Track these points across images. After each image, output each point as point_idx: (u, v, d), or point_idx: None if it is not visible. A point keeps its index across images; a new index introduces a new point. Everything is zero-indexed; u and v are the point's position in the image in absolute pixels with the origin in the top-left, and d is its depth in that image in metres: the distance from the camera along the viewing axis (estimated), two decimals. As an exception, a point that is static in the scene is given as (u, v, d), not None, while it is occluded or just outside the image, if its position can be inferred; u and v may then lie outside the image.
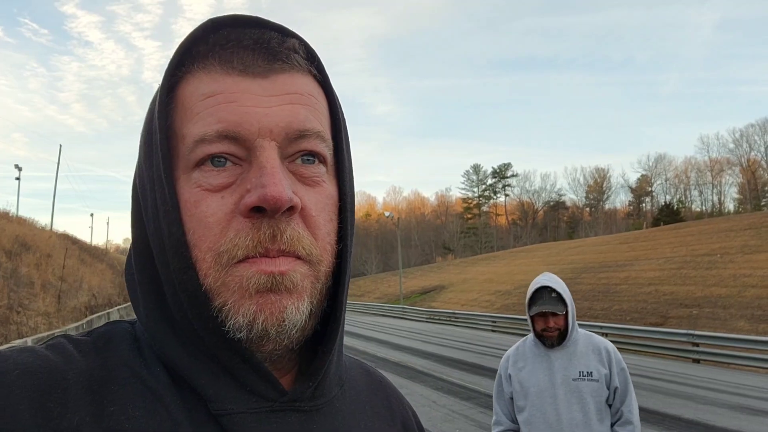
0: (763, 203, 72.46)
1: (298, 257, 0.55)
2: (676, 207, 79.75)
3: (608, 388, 2.65)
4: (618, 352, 2.76)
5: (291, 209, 0.54)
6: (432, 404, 8.91)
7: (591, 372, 2.63)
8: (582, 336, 2.75)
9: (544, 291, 2.70)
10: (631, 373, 10.35)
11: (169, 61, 0.57)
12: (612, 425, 2.65)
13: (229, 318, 0.53)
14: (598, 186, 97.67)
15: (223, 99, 0.55)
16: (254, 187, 0.53)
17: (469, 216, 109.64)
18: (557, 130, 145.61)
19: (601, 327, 20.83)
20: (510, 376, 2.75)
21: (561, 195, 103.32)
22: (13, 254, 18.08)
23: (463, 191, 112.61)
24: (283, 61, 0.57)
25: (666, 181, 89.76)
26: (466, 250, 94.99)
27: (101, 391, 0.52)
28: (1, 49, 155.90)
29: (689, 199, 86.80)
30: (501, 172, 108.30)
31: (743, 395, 10.47)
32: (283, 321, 0.54)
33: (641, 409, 8.63)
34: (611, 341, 13.29)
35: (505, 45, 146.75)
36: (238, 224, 0.54)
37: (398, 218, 54.75)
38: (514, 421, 2.75)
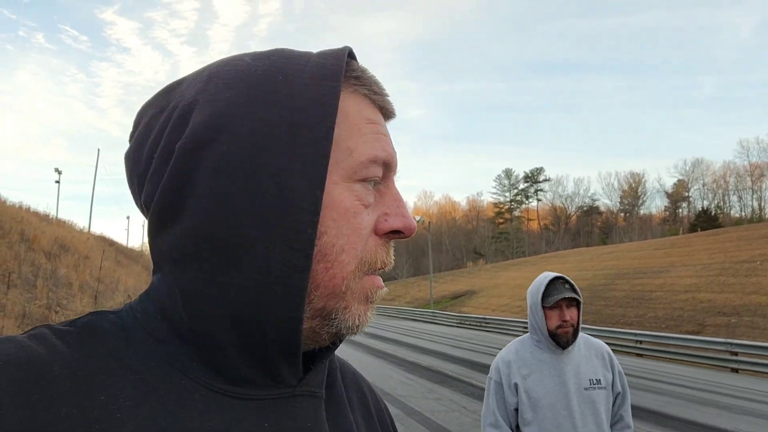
0: (805, 209, 70.35)
1: None
2: (713, 213, 77.87)
3: (612, 394, 2.54)
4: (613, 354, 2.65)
5: None
6: (462, 409, 8.87)
7: (599, 380, 2.49)
8: (581, 339, 2.58)
9: (557, 282, 2.53)
10: (666, 382, 10.28)
11: (327, 67, 0.60)
12: (611, 427, 2.54)
13: (345, 319, 0.59)
14: (632, 191, 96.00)
15: (380, 130, 0.63)
16: (395, 214, 0.62)
17: (501, 221, 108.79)
18: (590, 134, 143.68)
19: (636, 335, 20.48)
20: (516, 385, 2.50)
21: (594, 200, 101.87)
22: (53, 255, 18.54)
23: (495, 196, 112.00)
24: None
25: (703, 186, 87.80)
26: (497, 255, 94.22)
27: (89, 381, 0.51)
28: (42, 55, 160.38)
29: (728, 205, 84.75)
30: (533, 177, 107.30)
31: (783, 406, 10.19)
32: (365, 326, 0.62)
33: (677, 419, 8.49)
34: (646, 349, 13.13)
35: (537, 48, 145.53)
36: (375, 241, 0.61)
37: (429, 223, 54.62)
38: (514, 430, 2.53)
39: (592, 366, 2.53)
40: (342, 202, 0.58)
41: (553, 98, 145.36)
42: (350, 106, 0.61)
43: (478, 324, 32.55)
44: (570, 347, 2.53)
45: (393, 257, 0.63)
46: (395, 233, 0.62)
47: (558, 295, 2.49)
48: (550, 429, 2.43)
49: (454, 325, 35.36)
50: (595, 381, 2.49)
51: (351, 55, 0.65)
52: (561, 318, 2.48)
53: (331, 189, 0.58)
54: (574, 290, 2.52)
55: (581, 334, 2.62)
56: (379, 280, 0.62)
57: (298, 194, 0.55)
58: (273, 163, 0.55)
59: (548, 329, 2.50)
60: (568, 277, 2.57)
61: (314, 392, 0.62)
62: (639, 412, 8.96)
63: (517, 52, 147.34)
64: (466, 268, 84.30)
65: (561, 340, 2.49)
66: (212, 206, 0.54)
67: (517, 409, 2.51)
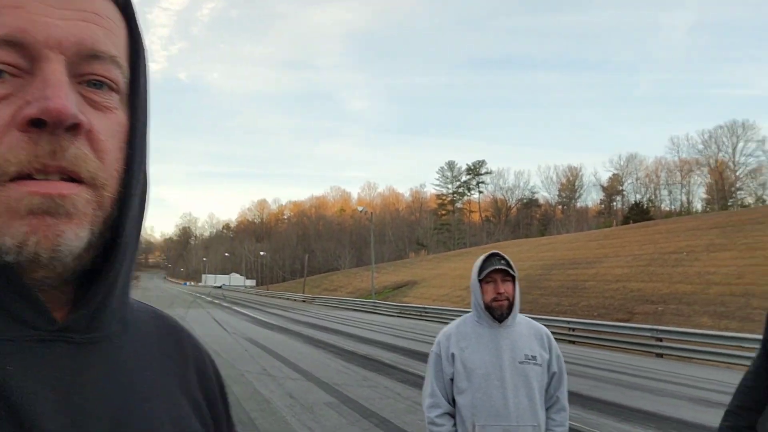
0: (729, 203, 74.03)
1: (81, 180, 0.51)
2: (645, 206, 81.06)
3: (547, 374, 2.62)
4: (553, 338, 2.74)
5: (76, 127, 0.50)
6: (396, 396, 8.93)
7: (535, 356, 2.56)
8: (523, 319, 2.68)
9: (493, 258, 2.62)
10: (596, 368, 10.54)
11: None
12: (547, 410, 2.61)
13: None
14: (570, 184, 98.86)
15: (10, 3, 0.49)
16: (35, 99, 0.48)
17: (443, 212, 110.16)
18: (532, 128, 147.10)
19: (569, 322, 21.12)
20: (453, 355, 2.58)
21: (534, 193, 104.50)
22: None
23: (438, 188, 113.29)
24: None
25: (637, 180, 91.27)
26: (439, 246, 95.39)
27: None
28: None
29: (659, 199, 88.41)
30: (475, 169, 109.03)
31: (702, 388, 10.69)
32: (59, 246, 0.50)
33: (604, 402, 8.73)
34: (579, 336, 13.48)
35: (483, 43, 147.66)
36: (12, 138, 0.48)
37: (372, 213, 54.73)
38: (451, 402, 2.59)
39: (529, 343, 2.61)
40: None
41: (497, 93, 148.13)
42: None
43: (419, 314, 32.89)
44: (508, 322, 2.59)
45: (61, 150, 0.49)
46: (37, 124, 0.48)
47: (491, 267, 2.58)
48: (482, 398, 2.49)
49: (395, 314, 35.61)
50: (530, 357, 2.56)
51: None
52: (496, 291, 2.56)
53: None
54: (509, 265, 2.59)
55: (524, 316, 2.71)
56: (41, 185, 0.49)
57: None
58: None
59: (484, 302, 2.58)
60: (503, 254, 2.65)
61: (70, 337, 0.54)
62: (569, 396, 9.23)
63: (463, 47, 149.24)
64: (409, 259, 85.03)
65: (496, 312, 2.57)
66: None
67: (453, 379, 2.57)
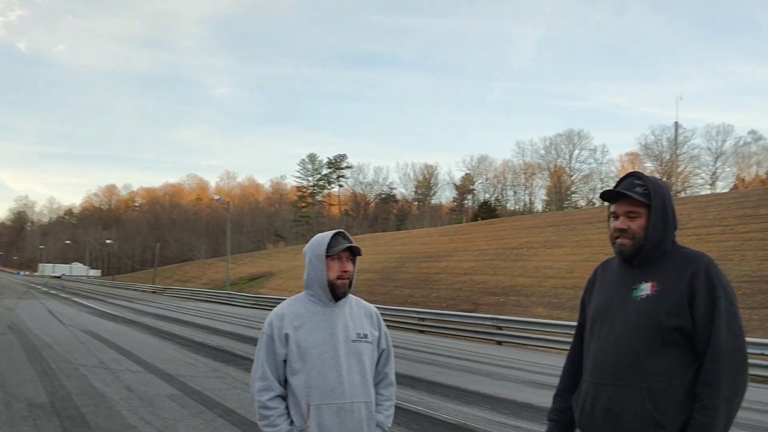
0: (565, 205, 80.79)
1: None
2: (493, 205, 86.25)
3: (377, 351, 2.67)
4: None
5: None
6: (244, 386, 8.75)
7: (366, 334, 2.60)
8: (353, 298, 2.69)
9: (339, 236, 2.60)
10: (442, 355, 10.97)
11: None
12: (375, 386, 2.66)
13: None
14: (426, 182, 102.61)
15: None
16: None
17: (303, 205, 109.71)
18: (392, 126, 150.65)
19: (420, 313, 21.95)
20: (287, 336, 2.51)
21: (392, 188, 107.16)
22: None
23: (298, 180, 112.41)
24: None
25: (486, 180, 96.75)
26: (298, 238, 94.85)
27: None
28: None
29: (505, 198, 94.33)
30: (336, 163, 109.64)
31: (534, 372, 11.59)
32: None
33: (447, 387, 9.11)
34: (428, 326, 14.05)
35: (349, 39, 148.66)
36: None
37: (229, 203, 53.15)
38: (282, 384, 2.53)
39: (360, 322, 2.63)
40: None
41: (360, 89, 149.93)
42: None
43: (274, 305, 32.40)
44: (342, 302, 2.60)
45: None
46: None
47: (341, 245, 2.55)
48: (317, 377, 2.46)
49: (250, 306, 35.02)
50: (362, 335, 2.59)
51: None
52: (341, 269, 2.55)
53: None
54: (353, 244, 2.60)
55: (353, 296, 2.70)
56: None
57: None
58: None
59: (328, 279, 2.54)
60: (347, 233, 2.64)
61: None
62: (414, 382, 9.58)
63: (329, 40, 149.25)
64: (266, 250, 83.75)
65: (338, 291, 2.55)
66: None
67: (286, 360, 2.52)
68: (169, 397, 7.88)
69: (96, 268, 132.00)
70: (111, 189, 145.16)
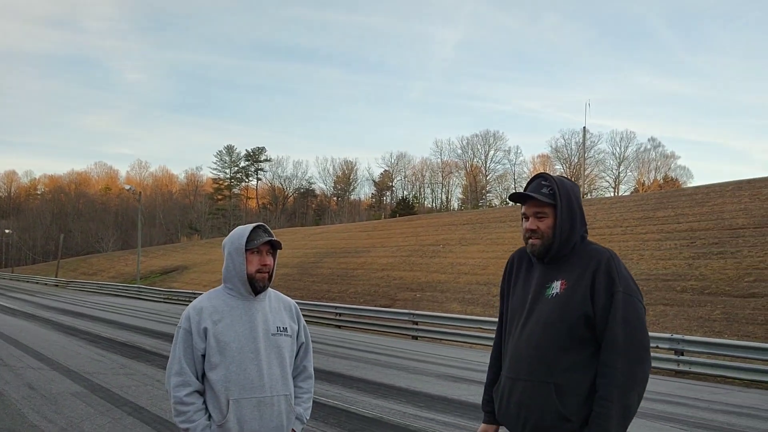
0: (480, 203, 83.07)
1: None
2: (411, 202, 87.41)
3: (296, 344, 2.70)
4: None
5: None
6: (155, 383, 8.50)
7: (286, 328, 2.62)
8: (272, 292, 2.70)
9: (259, 230, 2.59)
10: (359, 350, 11.07)
11: None
12: (294, 378, 2.69)
13: None
14: (345, 177, 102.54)
15: None
16: None
17: (219, 197, 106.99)
18: (313, 120, 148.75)
19: (336, 307, 21.98)
20: (206, 330, 2.48)
21: (311, 183, 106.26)
22: None
23: (215, 172, 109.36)
24: None
25: (405, 177, 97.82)
26: (213, 232, 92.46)
27: None
28: None
29: (423, 196, 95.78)
30: (254, 156, 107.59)
31: (449, 366, 11.91)
32: None
33: (363, 381, 9.21)
34: (345, 321, 14.09)
35: (270, 30, 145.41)
36: None
37: (140, 193, 51.07)
38: (200, 380, 2.50)
39: (280, 315, 2.64)
40: None
41: (280, 81, 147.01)
42: None
43: (187, 299, 31.66)
44: (262, 295, 2.59)
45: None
46: None
47: (261, 239, 2.54)
48: (237, 371, 2.45)
49: (161, 300, 33.92)
50: (282, 328, 2.60)
51: None
52: (261, 263, 2.54)
53: None
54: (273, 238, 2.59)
55: (273, 290, 2.71)
56: None
57: None
58: None
59: (247, 273, 2.53)
60: (267, 226, 2.63)
61: None
62: (330, 376, 9.63)
63: (249, 30, 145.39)
64: (180, 243, 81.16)
65: (258, 284, 2.54)
66: None
67: (204, 355, 2.48)
68: (74, 395, 7.54)
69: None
70: (10, 175, 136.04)
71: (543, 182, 2.30)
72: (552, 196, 2.26)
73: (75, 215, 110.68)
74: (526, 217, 2.32)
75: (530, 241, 2.29)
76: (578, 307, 2.14)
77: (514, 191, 2.35)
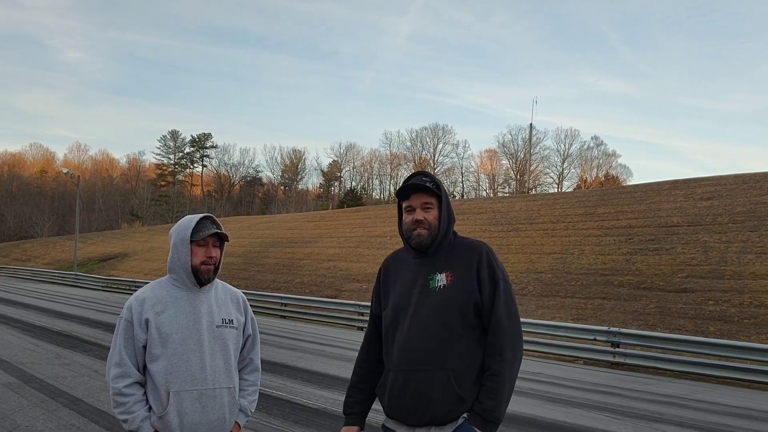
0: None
1: None
2: (359, 193, 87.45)
3: (243, 336, 2.67)
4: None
5: None
6: (93, 374, 8.25)
7: (232, 320, 2.60)
8: (220, 284, 2.68)
9: (206, 221, 2.56)
10: (304, 340, 11.05)
11: None
12: (240, 371, 2.68)
13: None
14: (293, 166, 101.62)
15: None
16: None
17: (163, 183, 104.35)
18: (261, 107, 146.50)
19: (282, 297, 21.84)
20: (147, 321, 2.45)
21: (258, 171, 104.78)
22: None
23: (158, 157, 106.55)
24: None
25: (353, 168, 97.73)
26: (155, 219, 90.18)
27: None
28: None
29: (371, 187, 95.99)
30: (200, 142, 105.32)
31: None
32: None
33: (308, 372, 9.18)
34: (290, 311, 14.05)
35: (218, 13, 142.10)
36: None
37: (79, 177, 49.29)
38: (141, 371, 2.47)
39: (226, 307, 2.61)
40: None
41: (229, 67, 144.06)
42: None
43: (127, 288, 30.88)
44: (207, 287, 2.56)
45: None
46: None
47: (207, 231, 2.51)
48: (178, 363, 2.42)
49: (100, 288, 32.93)
50: (227, 321, 2.57)
51: None
52: (206, 255, 2.51)
53: None
54: (220, 230, 2.55)
55: (221, 281, 2.68)
56: None
57: None
58: None
59: (192, 265, 2.50)
60: (215, 217, 2.59)
61: None
62: (275, 367, 9.57)
63: (197, 13, 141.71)
64: (120, 230, 78.82)
65: (203, 276, 2.51)
66: None
67: (145, 346, 2.45)
68: (6, 386, 7.25)
69: None
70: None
71: (424, 178, 2.43)
72: (438, 189, 2.40)
73: (8, 198, 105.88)
74: (410, 210, 2.41)
75: (416, 231, 2.38)
76: (468, 297, 2.27)
77: (410, 184, 2.41)
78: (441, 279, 2.32)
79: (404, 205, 2.45)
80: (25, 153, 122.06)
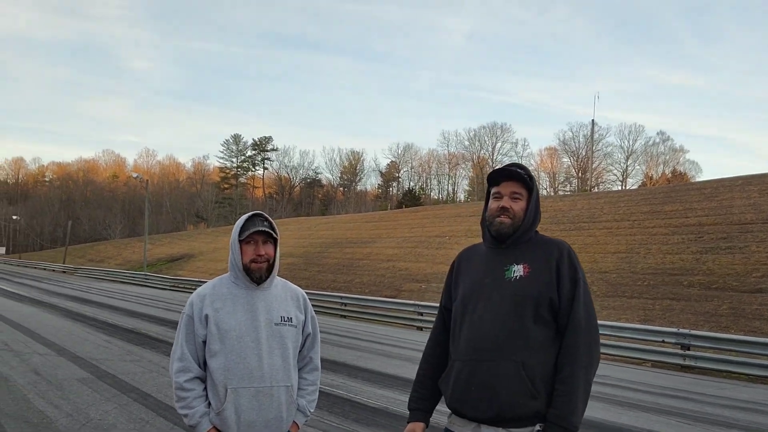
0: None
1: None
2: (417, 193, 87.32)
3: (302, 335, 2.65)
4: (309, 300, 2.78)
5: None
6: (161, 370, 8.54)
7: (291, 318, 2.57)
8: (280, 281, 2.66)
9: (256, 218, 2.55)
10: (364, 340, 11.08)
11: None
12: (299, 370, 2.65)
13: None
14: (352, 168, 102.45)
15: None
16: None
17: (226, 186, 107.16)
18: (320, 110, 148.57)
19: (342, 297, 22.02)
20: (207, 317, 2.47)
21: (318, 173, 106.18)
22: None
23: (222, 161, 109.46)
24: None
25: (411, 168, 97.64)
26: (219, 220, 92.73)
27: None
28: None
29: (429, 187, 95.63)
30: (261, 145, 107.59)
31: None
32: None
33: (368, 371, 9.22)
34: (350, 311, 14.07)
35: (277, 19, 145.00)
36: None
37: (147, 181, 51.26)
38: (202, 366, 2.49)
39: (285, 305, 2.59)
40: None
41: (287, 70, 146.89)
42: None
43: (193, 288, 31.78)
44: (266, 284, 2.55)
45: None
46: None
47: (253, 228, 2.51)
48: (236, 360, 2.43)
49: (168, 288, 34.07)
50: (286, 318, 2.56)
51: None
52: (256, 252, 2.50)
53: None
54: (271, 227, 2.54)
55: (282, 279, 2.67)
56: None
57: None
58: None
59: (243, 263, 2.51)
60: (266, 214, 2.59)
61: None
62: (335, 366, 9.65)
63: (256, 19, 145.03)
64: (186, 232, 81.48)
65: (254, 274, 2.51)
66: None
67: (205, 342, 2.47)
68: (81, 381, 7.58)
69: (0, 245, 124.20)
70: (18, 162, 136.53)
71: (519, 170, 2.36)
72: (531, 181, 2.34)
73: (83, 202, 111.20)
74: (498, 196, 2.35)
75: (499, 218, 2.31)
76: (545, 290, 2.20)
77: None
78: (518, 270, 2.25)
79: (492, 191, 2.38)
80: (98, 159, 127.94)
